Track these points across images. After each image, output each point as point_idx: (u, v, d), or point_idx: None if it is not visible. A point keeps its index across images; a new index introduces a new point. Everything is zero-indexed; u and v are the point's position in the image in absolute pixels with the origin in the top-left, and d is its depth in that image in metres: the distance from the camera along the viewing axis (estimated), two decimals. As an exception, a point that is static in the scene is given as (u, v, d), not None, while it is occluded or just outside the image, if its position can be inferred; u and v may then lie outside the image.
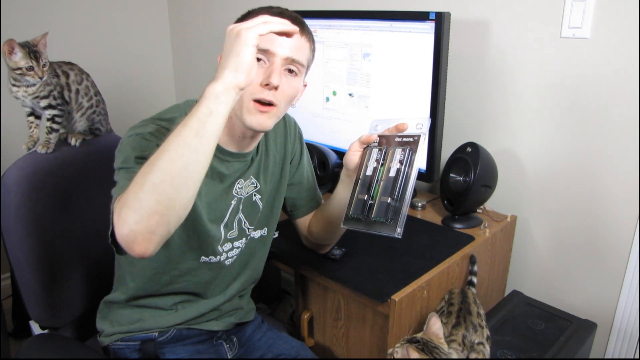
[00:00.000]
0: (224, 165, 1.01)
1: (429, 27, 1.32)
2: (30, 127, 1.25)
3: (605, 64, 1.28)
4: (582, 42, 1.30)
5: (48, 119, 1.23)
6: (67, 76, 1.26)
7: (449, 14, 1.30)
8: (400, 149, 0.90)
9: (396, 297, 1.07)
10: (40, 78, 1.18)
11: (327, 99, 1.61)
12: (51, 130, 1.23)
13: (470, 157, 1.34)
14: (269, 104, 0.92)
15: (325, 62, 1.57)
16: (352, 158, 0.96)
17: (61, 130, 1.28)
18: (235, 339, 1.19)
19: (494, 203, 1.49)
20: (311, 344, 1.29)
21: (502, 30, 1.44)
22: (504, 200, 1.52)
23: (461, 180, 1.37)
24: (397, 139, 0.92)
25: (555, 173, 1.42)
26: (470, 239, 1.32)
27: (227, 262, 1.09)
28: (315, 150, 1.57)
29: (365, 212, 0.89)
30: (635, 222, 1.31)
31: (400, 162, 0.89)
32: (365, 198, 0.90)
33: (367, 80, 1.49)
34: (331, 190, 1.24)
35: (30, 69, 1.16)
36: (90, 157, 1.29)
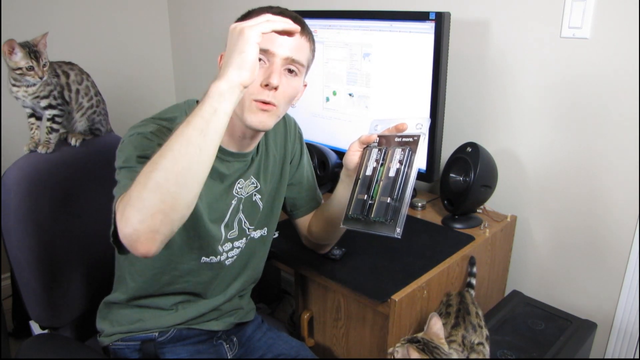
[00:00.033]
0: (225, 165, 1.01)
1: (429, 27, 1.32)
2: (32, 129, 1.25)
3: (605, 64, 1.28)
4: (582, 42, 1.30)
5: (48, 119, 1.23)
6: (67, 76, 1.26)
7: (449, 14, 1.30)
8: (400, 149, 0.90)
9: (396, 297, 1.07)
10: (41, 78, 1.18)
11: (327, 99, 1.61)
12: (51, 130, 1.23)
13: (470, 157, 1.34)
14: (269, 103, 0.92)
15: (325, 62, 1.57)
16: (352, 158, 0.96)
17: (61, 130, 1.28)
18: (235, 339, 1.19)
19: (494, 203, 1.49)
20: (311, 344, 1.29)
21: (502, 30, 1.44)
22: (504, 200, 1.52)
23: (461, 180, 1.37)
24: (396, 139, 0.92)
25: (555, 173, 1.42)
26: (470, 239, 1.32)
27: (227, 262, 1.09)
28: (315, 150, 1.57)
29: (364, 212, 0.89)
30: (635, 222, 1.31)
31: (400, 162, 0.89)
32: (365, 198, 0.90)
33: (367, 80, 1.49)
34: (331, 190, 1.24)
35: (31, 69, 1.16)
36: (90, 157, 1.29)
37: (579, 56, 1.32)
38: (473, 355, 1.03)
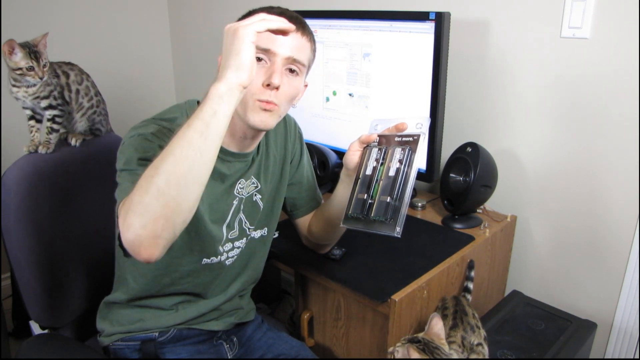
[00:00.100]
0: (225, 165, 1.01)
1: (429, 27, 1.32)
2: (32, 132, 1.25)
3: (605, 64, 1.28)
4: (582, 42, 1.30)
5: (48, 119, 1.23)
6: (68, 76, 1.26)
7: (449, 14, 1.30)
8: (400, 149, 0.90)
9: (396, 297, 1.07)
10: (41, 78, 1.18)
11: (327, 99, 1.61)
12: (51, 130, 1.23)
13: (470, 157, 1.34)
14: (271, 102, 0.92)
15: (325, 62, 1.57)
16: (352, 157, 0.97)
17: (61, 131, 1.28)
18: (235, 339, 1.19)
19: (494, 203, 1.49)
20: (311, 344, 1.29)
21: (502, 30, 1.44)
22: (504, 200, 1.52)
23: (461, 180, 1.37)
24: (396, 139, 0.92)
25: (555, 173, 1.42)
26: (470, 239, 1.32)
27: (227, 262, 1.09)
28: (315, 150, 1.57)
29: (364, 212, 0.89)
30: (635, 222, 1.31)
31: (400, 161, 0.89)
32: (365, 197, 0.90)
33: (367, 80, 1.49)
34: (331, 190, 1.24)
35: (31, 69, 1.16)
36: (91, 157, 1.29)
37: (579, 56, 1.32)
38: (473, 356, 1.03)
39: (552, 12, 1.33)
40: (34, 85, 1.19)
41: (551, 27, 1.34)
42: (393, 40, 1.41)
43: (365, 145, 0.96)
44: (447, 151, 1.44)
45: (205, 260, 1.05)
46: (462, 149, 1.39)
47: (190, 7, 2.37)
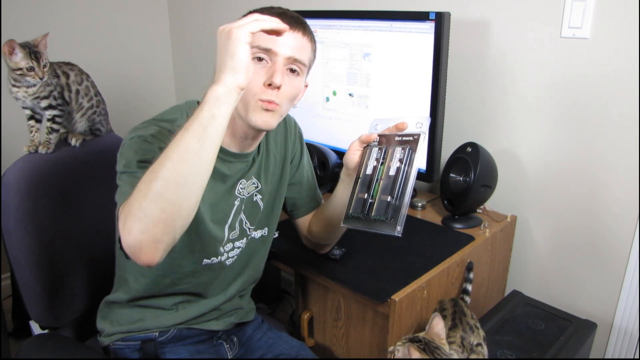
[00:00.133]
0: (226, 165, 1.01)
1: (429, 27, 1.32)
2: (32, 132, 1.25)
3: (605, 64, 1.28)
4: (582, 42, 1.30)
5: (48, 119, 1.23)
6: (67, 76, 1.26)
7: (449, 14, 1.30)
8: (400, 148, 0.90)
9: (396, 297, 1.07)
10: (41, 79, 1.18)
11: (327, 99, 1.61)
12: (51, 130, 1.23)
13: (470, 157, 1.34)
14: (273, 102, 0.92)
15: (325, 62, 1.57)
16: (352, 157, 0.97)
17: (61, 131, 1.28)
18: (235, 338, 1.19)
19: (494, 203, 1.49)
20: (311, 344, 1.29)
21: (502, 30, 1.44)
22: (504, 200, 1.52)
23: (461, 180, 1.37)
24: (397, 138, 0.92)
25: (555, 173, 1.42)
26: (470, 239, 1.32)
27: (227, 262, 1.09)
28: (315, 150, 1.57)
29: (365, 211, 0.89)
30: (635, 222, 1.31)
31: (400, 160, 0.89)
32: (365, 197, 0.90)
33: (367, 80, 1.49)
34: (331, 190, 1.24)
35: (31, 69, 1.16)
36: (91, 157, 1.29)
37: (579, 56, 1.32)
38: (473, 356, 1.03)
39: (552, 12, 1.33)
40: (34, 85, 1.19)
41: (551, 27, 1.34)
42: (393, 40, 1.41)
43: (365, 144, 0.96)
44: (447, 151, 1.44)
45: (205, 261, 1.05)
46: (462, 149, 1.39)
47: (190, 7, 2.37)
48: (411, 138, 0.91)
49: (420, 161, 0.89)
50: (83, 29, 2.19)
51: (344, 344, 1.25)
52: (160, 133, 0.91)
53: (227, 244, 1.07)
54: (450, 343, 1.03)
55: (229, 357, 1.15)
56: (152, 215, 0.70)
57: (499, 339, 1.22)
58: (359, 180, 0.93)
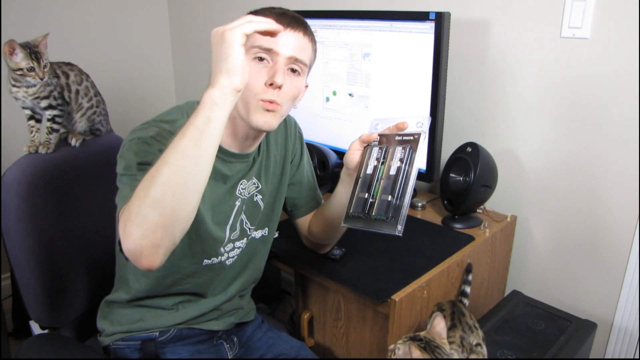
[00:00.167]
0: (227, 166, 1.01)
1: (429, 27, 1.32)
2: (32, 132, 1.25)
3: (605, 64, 1.28)
4: (582, 42, 1.30)
5: (48, 119, 1.23)
6: (67, 77, 1.26)
7: (449, 14, 1.30)
8: (401, 148, 0.90)
9: (396, 297, 1.07)
10: (41, 79, 1.17)
11: (327, 99, 1.61)
12: (51, 130, 1.23)
13: (470, 157, 1.34)
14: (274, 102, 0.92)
15: (325, 62, 1.57)
16: (353, 157, 0.97)
17: (61, 131, 1.28)
18: (235, 338, 1.19)
19: (494, 203, 1.49)
20: (311, 344, 1.29)
21: (502, 30, 1.44)
22: (504, 200, 1.52)
23: (461, 180, 1.37)
24: (397, 138, 0.92)
25: (555, 173, 1.42)
26: (470, 239, 1.32)
27: (228, 262, 1.09)
28: (315, 150, 1.57)
29: (365, 211, 0.89)
30: (635, 222, 1.31)
31: (401, 160, 0.89)
32: (366, 197, 0.90)
33: (367, 80, 1.49)
34: (331, 190, 1.24)
35: (32, 69, 1.16)
36: (91, 157, 1.29)
37: (579, 56, 1.32)
38: (472, 356, 1.03)
39: (552, 12, 1.33)
40: (34, 85, 1.19)
41: (551, 27, 1.34)
42: (393, 40, 1.41)
43: (365, 144, 0.96)
44: (447, 151, 1.44)
45: (206, 261, 1.05)
46: (462, 149, 1.39)
47: (190, 7, 2.37)
48: (412, 138, 0.91)
49: (420, 160, 0.89)
50: (83, 29, 2.19)
51: (344, 344, 1.25)
52: (160, 134, 0.91)
53: (228, 245, 1.07)
54: (449, 343, 1.03)
55: (229, 357, 1.15)
56: (151, 221, 0.70)
57: (498, 339, 1.22)
58: (360, 180, 0.93)
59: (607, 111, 1.30)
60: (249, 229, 1.10)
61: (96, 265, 1.27)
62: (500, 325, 1.28)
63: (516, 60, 1.43)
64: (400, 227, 0.85)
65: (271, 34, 0.81)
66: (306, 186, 1.20)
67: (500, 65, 1.46)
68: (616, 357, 1.43)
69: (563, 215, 1.43)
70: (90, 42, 2.21)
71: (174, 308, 1.09)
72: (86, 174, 1.27)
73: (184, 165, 0.72)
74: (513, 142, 1.49)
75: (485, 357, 1.06)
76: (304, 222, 1.21)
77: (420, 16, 1.33)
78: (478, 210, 1.47)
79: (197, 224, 0.97)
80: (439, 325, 0.99)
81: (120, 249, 0.74)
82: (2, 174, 1.13)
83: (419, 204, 1.52)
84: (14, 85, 1.19)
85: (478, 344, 1.06)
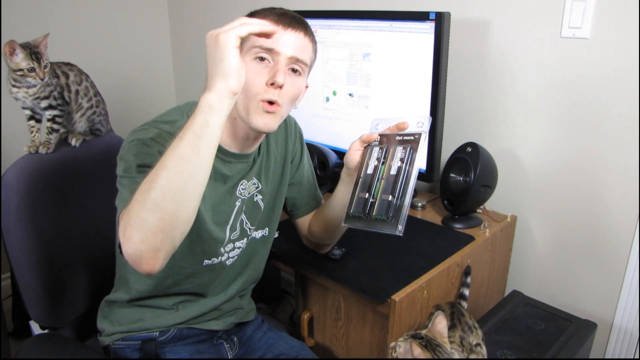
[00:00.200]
0: (227, 166, 1.01)
1: (429, 27, 1.32)
2: (32, 132, 1.25)
3: (605, 64, 1.28)
4: (582, 42, 1.30)
5: (48, 120, 1.23)
6: (67, 77, 1.26)
7: (449, 14, 1.30)
8: (401, 147, 0.90)
9: (396, 297, 1.07)
10: (42, 79, 1.17)
11: (327, 99, 1.61)
12: (51, 130, 1.23)
13: (470, 157, 1.34)
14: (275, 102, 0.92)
15: (325, 62, 1.57)
16: (353, 157, 0.97)
17: (61, 131, 1.28)
18: (235, 338, 1.19)
19: (494, 203, 1.49)
20: (311, 344, 1.29)
21: (502, 30, 1.44)
22: (504, 200, 1.52)
23: (461, 180, 1.37)
24: (397, 138, 0.92)
25: (555, 173, 1.42)
26: (470, 239, 1.32)
27: (228, 262, 1.09)
28: (315, 150, 1.57)
29: (366, 211, 0.89)
30: (635, 222, 1.31)
31: (401, 160, 0.89)
32: (366, 197, 0.90)
33: (367, 80, 1.49)
34: (331, 190, 1.24)
35: (32, 70, 1.16)
36: (91, 157, 1.29)
37: (579, 56, 1.32)
38: (472, 356, 1.03)
39: (552, 12, 1.33)
40: (34, 85, 1.19)
41: (551, 27, 1.34)
42: (393, 40, 1.41)
43: (366, 144, 0.96)
44: (447, 151, 1.44)
45: (206, 261, 1.05)
46: (462, 149, 1.39)
47: (190, 7, 2.37)
48: (412, 137, 0.91)
49: (421, 160, 0.89)
50: (83, 29, 2.19)
51: (344, 344, 1.25)
52: (160, 136, 0.91)
53: (228, 245, 1.07)
54: (450, 343, 1.03)
55: (229, 357, 1.15)
56: (150, 225, 0.70)
57: (499, 339, 1.22)
58: (360, 179, 0.93)
59: (607, 111, 1.30)
60: (249, 229, 1.10)
61: (96, 265, 1.27)
62: (500, 325, 1.28)
63: (516, 60, 1.43)
64: (400, 227, 0.85)
65: (267, 35, 0.81)
66: (306, 186, 1.20)
67: (500, 65, 1.46)
68: (616, 357, 1.43)
69: (563, 215, 1.43)
70: (90, 42, 2.21)
71: (174, 308, 1.09)
72: (86, 174, 1.27)
73: (183, 168, 0.72)
74: (513, 142, 1.49)
75: (485, 357, 1.06)
76: (304, 222, 1.21)
77: (420, 16, 1.33)
78: (478, 210, 1.47)
79: (198, 224, 0.96)
80: (440, 324, 0.99)
81: (121, 252, 0.74)
82: (2, 174, 1.13)
83: (419, 204, 1.52)
84: (14, 86, 1.19)
85: (478, 344, 1.06)
